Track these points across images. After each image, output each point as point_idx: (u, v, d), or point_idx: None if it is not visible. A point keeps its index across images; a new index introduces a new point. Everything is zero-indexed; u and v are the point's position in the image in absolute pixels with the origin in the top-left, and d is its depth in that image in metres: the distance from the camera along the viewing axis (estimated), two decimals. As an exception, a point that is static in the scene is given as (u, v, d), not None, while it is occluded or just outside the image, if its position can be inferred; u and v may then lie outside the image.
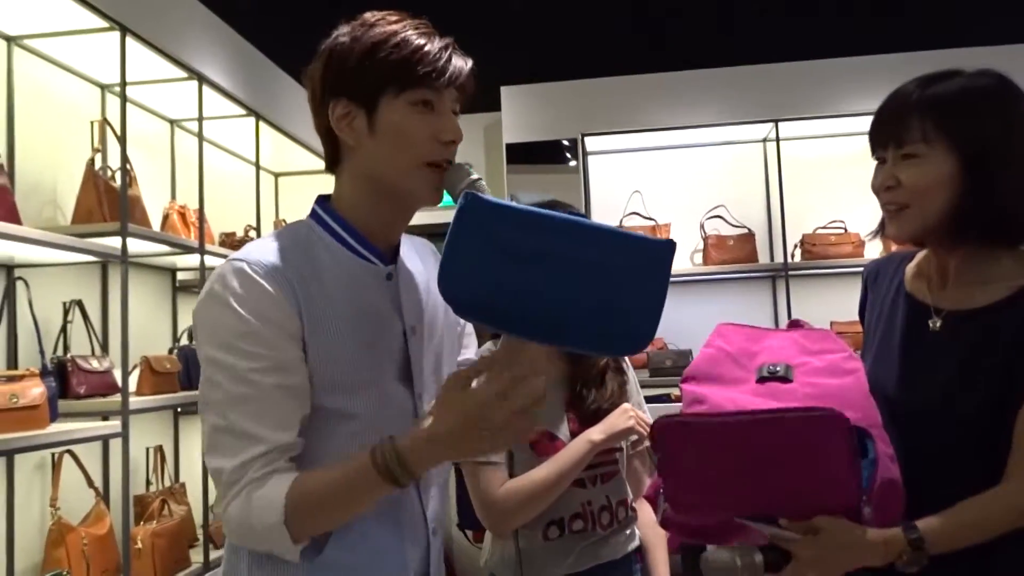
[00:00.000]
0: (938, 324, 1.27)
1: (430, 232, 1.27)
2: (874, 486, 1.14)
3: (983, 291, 1.27)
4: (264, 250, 1.13)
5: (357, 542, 1.14)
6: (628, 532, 1.79)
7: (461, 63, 1.15)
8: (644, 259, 1.00)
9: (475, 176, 1.11)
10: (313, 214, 1.20)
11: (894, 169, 1.27)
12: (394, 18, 1.15)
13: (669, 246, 1.00)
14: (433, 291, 1.23)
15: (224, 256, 3.21)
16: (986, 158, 1.22)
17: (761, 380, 1.28)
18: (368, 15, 1.16)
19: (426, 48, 1.11)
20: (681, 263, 4.23)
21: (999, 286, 1.26)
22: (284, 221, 4.16)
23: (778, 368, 1.29)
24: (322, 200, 1.21)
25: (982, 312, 1.26)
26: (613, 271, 0.98)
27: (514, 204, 1.02)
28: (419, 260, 1.29)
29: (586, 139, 4.21)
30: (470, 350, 1.38)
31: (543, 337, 1.02)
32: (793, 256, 4.06)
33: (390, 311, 1.18)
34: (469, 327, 1.38)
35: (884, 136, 1.29)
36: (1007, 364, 1.20)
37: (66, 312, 2.61)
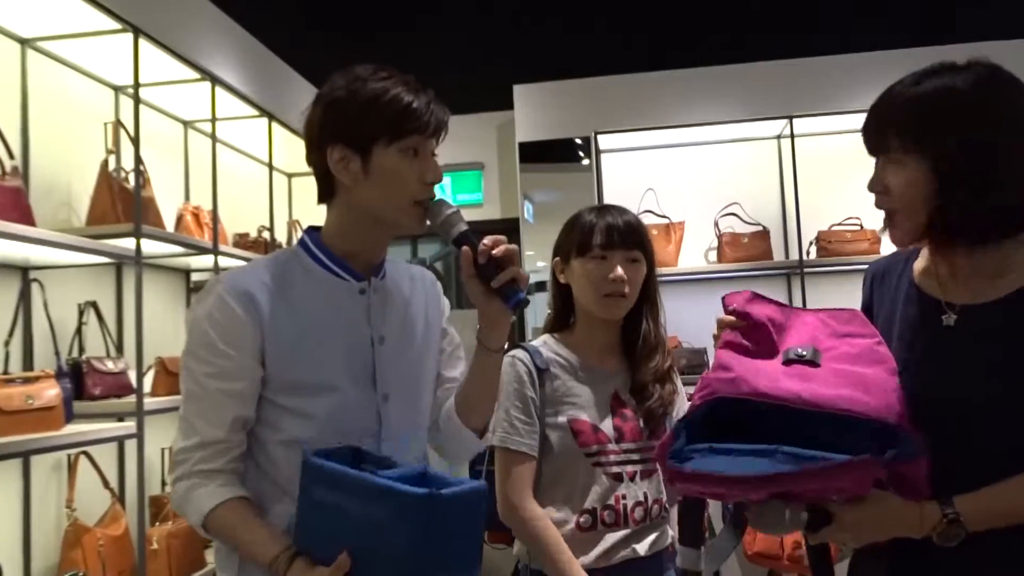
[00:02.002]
0: (953, 319, 1.26)
1: (475, 230, 1.38)
2: (916, 461, 1.13)
3: (998, 283, 1.25)
4: (245, 276, 1.34)
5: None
6: (660, 531, 1.77)
7: (441, 115, 1.34)
8: (399, 510, 1.06)
9: (452, 209, 1.32)
10: (300, 241, 1.41)
11: (881, 174, 1.29)
12: (384, 74, 1.32)
13: (424, 500, 1.05)
14: (414, 310, 1.44)
15: (238, 256, 3.22)
16: (967, 159, 1.20)
17: (788, 362, 1.25)
18: (360, 69, 1.33)
19: (415, 105, 1.30)
20: (696, 261, 4.21)
21: (1013, 277, 1.25)
22: (298, 222, 4.16)
23: (804, 352, 1.25)
24: (310, 230, 1.41)
25: (1001, 303, 1.24)
26: (374, 522, 1.08)
27: (322, 463, 1.16)
28: (408, 283, 1.48)
29: (599, 137, 4.19)
30: (458, 369, 1.55)
31: None
32: (808, 253, 4.03)
33: (360, 321, 1.37)
34: (460, 349, 1.54)
35: (870, 143, 1.32)
36: None
37: (81, 313, 2.62)
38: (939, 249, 1.30)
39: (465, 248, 1.29)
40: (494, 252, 1.29)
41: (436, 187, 1.35)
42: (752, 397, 1.16)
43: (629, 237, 1.75)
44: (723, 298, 1.36)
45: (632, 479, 1.73)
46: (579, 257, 1.76)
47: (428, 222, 1.34)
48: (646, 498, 1.74)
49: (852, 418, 1.12)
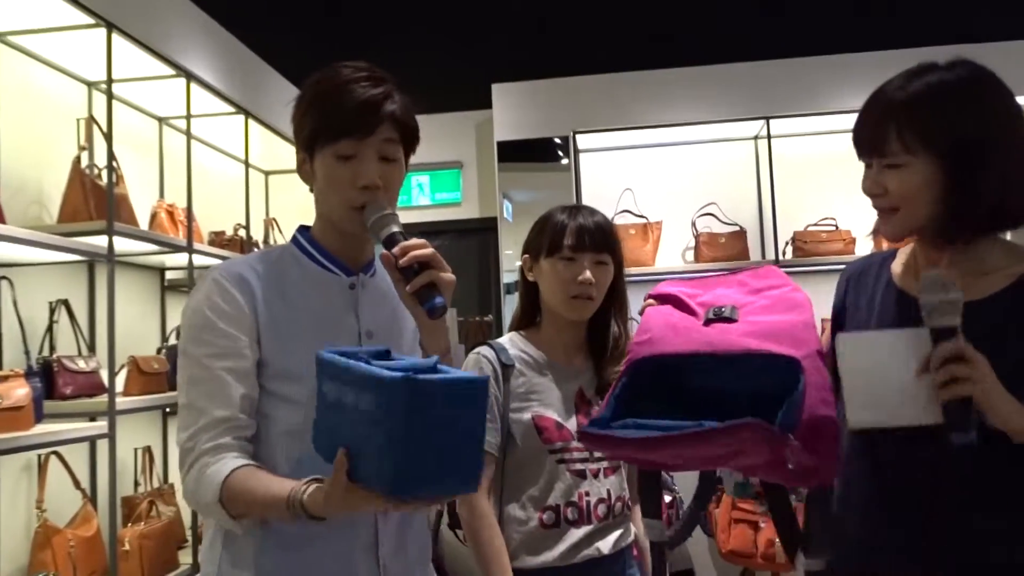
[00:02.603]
0: None
1: (423, 231, 1.36)
2: (800, 422, 1.12)
3: (980, 283, 1.27)
4: (238, 263, 1.34)
5: (309, 554, 1.28)
6: (623, 528, 1.79)
7: (383, 112, 1.28)
8: (379, 396, 0.98)
9: (385, 212, 1.28)
10: (293, 237, 1.42)
11: (880, 177, 1.29)
12: (344, 73, 1.30)
13: (400, 384, 0.96)
14: (403, 307, 1.37)
15: (213, 255, 3.19)
16: (966, 158, 1.22)
17: (707, 322, 1.33)
18: (327, 68, 1.32)
19: (348, 106, 1.27)
20: (673, 261, 4.23)
21: (996, 276, 1.26)
22: (275, 220, 4.13)
23: (724, 310, 1.34)
24: (302, 228, 1.42)
25: (986, 303, 1.25)
26: (367, 413, 1.00)
27: (328, 355, 1.09)
28: None
29: (577, 137, 4.20)
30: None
31: (374, 484, 1.02)
32: (784, 253, 4.06)
33: (349, 315, 1.36)
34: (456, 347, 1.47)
35: (866, 147, 1.30)
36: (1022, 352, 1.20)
37: (52, 312, 2.58)
38: (932, 244, 1.31)
39: (383, 252, 1.26)
40: (408, 255, 1.23)
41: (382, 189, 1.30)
42: (668, 355, 1.25)
43: (599, 239, 1.76)
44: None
45: (595, 476, 1.75)
46: (549, 257, 1.77)
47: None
48: (609, 495, 1.75)
49: (760, 360, 1.19)
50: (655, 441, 1.19)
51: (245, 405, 1.27)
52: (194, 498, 1.24)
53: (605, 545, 1.73)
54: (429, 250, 1.25)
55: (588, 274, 1.73)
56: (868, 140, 1.30)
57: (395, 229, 1.28)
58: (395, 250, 1.24)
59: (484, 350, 1.79)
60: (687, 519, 1.43)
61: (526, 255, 1.84)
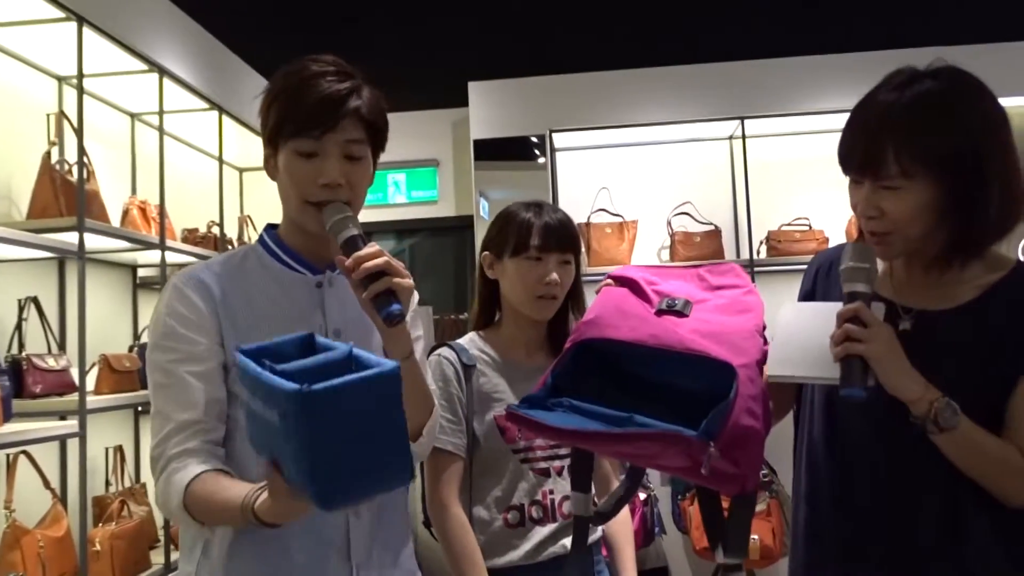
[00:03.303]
0: (908, 324, 1.26)
1: (400, 229, 1.32)
2: (723, 431, 1.14)
3: (954, 291, 1.27)
4: (198, 268, 1.33)
5: (279, 557, 1.27)
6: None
7: (346, 109, 1.26)
8: (280, 408, 0.94)
9: (343, 214, 1.26)
10: (259, 237, 1.41)
11: (874, 198, 1.24)
12: (311, 66, 1.29)
13: (295, 397, 0.90)
14: None
15: (186, 252, 3.16)
16: (968, 175, 1.20)
17: (659, 313, 1.35)
18: (294, 62, 1.31)
19: (309, 101, 1.26)
20: (649, 260, 4.24)
21: (969, 286, 1.27)
22: (249, 217, 4.10)
23: (677, 303, 1.36)
24: (269, 227, 1.41)
25: (957, 311, 1.26)
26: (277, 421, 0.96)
27: (241, 359, 1.03)
28: None
29: (554, 135, 4.21)
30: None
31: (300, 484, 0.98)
32: (759, 253, 4.09)
33: (315, 314, 1.34)
34: (420, 342, 1.44)
35: (858, 167, 1.26)
36: (994, 361, 1.22)
37: (21, 309, 2.55)
38: (921, 262, 1.30)
39: (339, 256, 1.23)
40: (360, 268, 1.20)
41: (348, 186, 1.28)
42: (611, 341, 1.27)
43: (565, 239, 1.76)
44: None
45: (559, 474, 1.75)
46: (514, 256, 1.75)
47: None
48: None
49: (698, 360, 1.21)
50: (576, 435, 1.21)
51: (212, 408, 1.26)
52: (164, 506, 1.24)
53: (571, 541, 1.73)
54: (382, 259, 1.21)
55: (555, 275, 1.73)
56: (861, 161, 1.25)
57: (353, 232, 1.24)
58: (348, 262, 1.21)
59: (445, 351, 1.77)
60: (618, 499, 1.43)
61: (486, 252, 1.82)
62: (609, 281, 1.46)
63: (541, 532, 1.71)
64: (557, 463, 1.75)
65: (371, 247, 1.23)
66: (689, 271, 1.48)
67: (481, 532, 1.70)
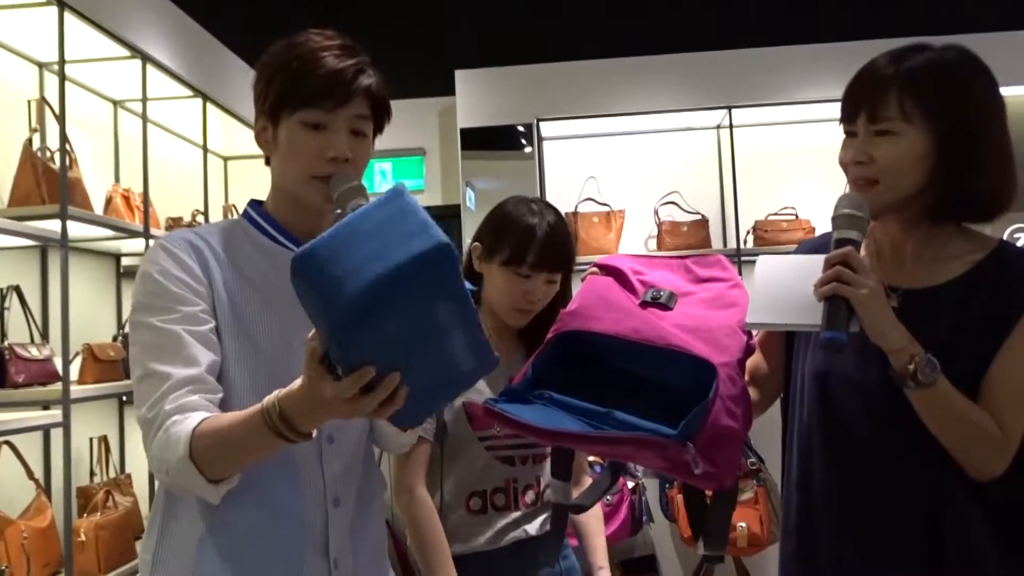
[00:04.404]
0: (896, 302, 1.26)
1: None
2: (702, 432, 1.14)
3: (939, 269, 1.28)
4: (185, 232, 1.29)
5: (254, 504, 1.22)
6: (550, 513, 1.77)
7: (358, 85, 1.25)
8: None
9: (351, 183, 1.22)
10: (244, 212, 1.36)
11: (866, 145, 1.25)
12: (317, 39, 1.26)
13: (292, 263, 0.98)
14: None
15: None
16: (962, 137, 1.22)
17: (644, 304, 1.34)
18: (297, 35, 1.28)
19: (319, 73, 1.23)
20: (635, 249, 4.24)
21: (956, 263, 1.27)
22: (234, 206, 4.07)
23: (662, 295, 1.35)
24: (254, 202, 1.37)
25: (942, 289, 1.27)
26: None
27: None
28: None
29: (541, 124, 4.19)
30: None
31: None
32: (746, 242, 4.10)
33: None
34: None
35: (858, 109, 1.27)
36: (979, 338, 1.22)
37: (3, 298, 2.52)
38: (898, 226, 1.31)
39: None
40: None
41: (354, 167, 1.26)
42: (593, 333, 1.26)
43: (560, 261, 1.72)
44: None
45: (524, 463, 1.75)
46: (504, 266, 1.71)
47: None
48: (538, 481, 1.76)
49: (679, 356, 1.21)
50: (555, 435, 1.21)
51: (213, 369, 1.19)
52: (162, 464, 1.12)
53: (532, 527, 1.74)
54: None
55: (539, 293, 1.71)
56: (861, 101, 1.26)
57: (363, 202, 1.20)
58: None
59: None
60: (601, 491, 1.44)
61: (478, 244, 1.78)
62: (595, 269, 1.45)
63: (502, 520, 1.71)
64: (523, 452, 1.74)
65: None
66: (676, 261, 1.48)
67: (446, 518, 1.70)
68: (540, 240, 1.69)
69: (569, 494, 1.42)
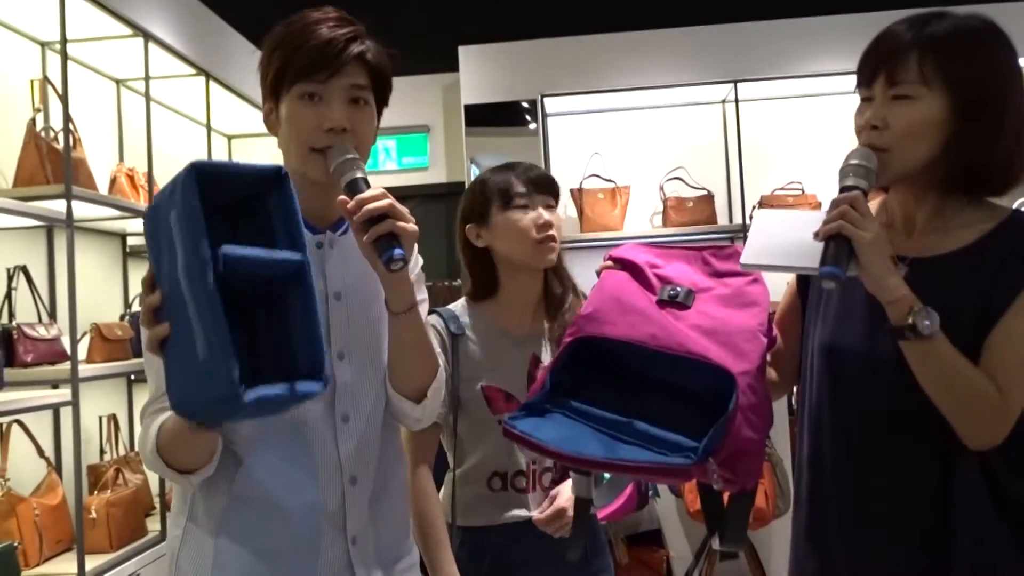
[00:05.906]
0: (904, 271, 1.24)
1: (422, 194, 1.30)
2: (723, 446, 1.13)
3: (949, 237, 1.27)
4: None
5: (273, 482, 1.25)
6: None
7: (348, 52, 1.24)
8: None
9: (348, 156, 1.21)
10: None
11: (883, 109, 1.23)
12: (313, 15, 1.27)
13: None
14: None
15: (176, 220, 3.12)
16: (980, 105, 1.20)
17: (661, 303, 1.32)
18: (301, 12, 1.28)
19: (311, 44, 1.23)
20: (641, 225, 4.24)
21: (966, 231, 1.26)
22: (238, 184, 4.06)
23: (679, 292, 1.32)
24: None
25: (951, 257, 1.26)
26: None
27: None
28: None
29: (545, 100, 4.17)
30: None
31: None
32: (752, 218, 4.09)
33: (315, 276, 1.26)
34: (424, 307, 1.40)
35: (876, 72, 1.25)
36: (986, 306, 1.21)
37: (10, 278, 2.53)
38: (908, 196, 1.29)
39: (341, 197, 1.19)
40: (362, 209, 1.16)
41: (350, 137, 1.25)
42: (609, 339, 1.24)
43: (546, 184, 1.75)
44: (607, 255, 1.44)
45: None
46: (503, 211, 1.71)
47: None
48: (556, 465, 1.74)
49: (697, 363, 1.19)
50: (573, 459, 1.20)
51: None
52: (143, 456, 1.22)
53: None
54: (386, 201, 1.18)
55: (547, 217, 1.71)
56: (880, 65, 1.23)
57: (358, 175, 1.21)
58: (350, 204, 1.17)
59: (433, 319, 1.73)
60: (613, 486, 1.43)
61: (468, 224, 1.77)
62: (609, 263, 1.41)
63: (522, 500, 1.72)
64: None
65: (376, 189, 1.19)
66: (693, 253, 1.43)
67: (464, 495, 1.71)
68: (520, 172, 1.74)
69: (591, 488, 1.42)
